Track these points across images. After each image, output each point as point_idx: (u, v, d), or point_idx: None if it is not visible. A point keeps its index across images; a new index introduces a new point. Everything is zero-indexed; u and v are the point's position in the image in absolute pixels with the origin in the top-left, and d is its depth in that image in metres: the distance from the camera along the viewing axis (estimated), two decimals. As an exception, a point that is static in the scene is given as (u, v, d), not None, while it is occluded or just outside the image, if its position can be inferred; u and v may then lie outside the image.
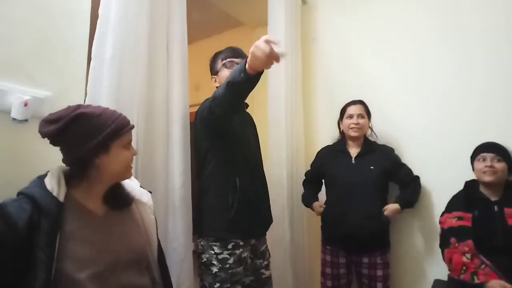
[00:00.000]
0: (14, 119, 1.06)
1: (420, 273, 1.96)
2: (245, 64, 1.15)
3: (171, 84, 1.54)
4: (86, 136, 0.89)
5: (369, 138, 2.04)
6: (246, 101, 1.65)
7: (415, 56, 2.12)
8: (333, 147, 2.08)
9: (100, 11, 1.30)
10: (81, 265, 0.85)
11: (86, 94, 1.25)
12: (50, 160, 1.01)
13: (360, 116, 1.94)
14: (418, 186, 1.93)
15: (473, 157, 1.67)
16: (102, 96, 1.25)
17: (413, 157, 2.03)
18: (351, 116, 1.95)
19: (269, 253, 1.69)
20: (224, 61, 1.56)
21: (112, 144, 0.93)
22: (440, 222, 1.69)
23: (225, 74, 1.54)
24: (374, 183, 1.85)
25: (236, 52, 1.59)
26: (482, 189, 1.63)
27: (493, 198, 1.58)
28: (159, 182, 1.45)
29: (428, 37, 2.08)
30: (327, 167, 2.02)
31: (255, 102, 1.82)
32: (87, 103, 1.21)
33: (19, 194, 0.87)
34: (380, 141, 2.08)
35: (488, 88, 1.87)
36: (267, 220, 1.68)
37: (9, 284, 0.79)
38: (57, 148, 0.96)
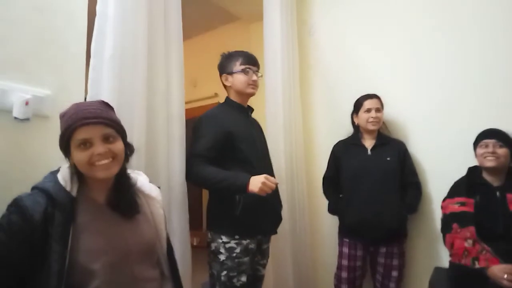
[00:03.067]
0: (16, 118, 1.07)
1: (430, 262, 1.96)
2: (246, 187, 1.41)
3: (170, 82, 1.55)
4: (61, 138, 0.92)
5: (381, 131, 2.06)
6: (248, 103, 1.75)
7: (412, 47, 2.12)
8: (347, 141, 2.10)
9: (97, 8, 1.30)
10: (94, 256, 0.87)
11: (86, 92, 1.25)
12: (52, 158, 1.02)
13: (377, 110, 1.97)
14: (419, 193, 1.96)
15: (476, 144, 1.68)
16: (102, 95, 1.25)
17: (415, 147, 2.04)
18: (369, 110, 1.97)
19: (268, 253, 1.74)
20: (243, 67, 1.65)
21: (70, 146, 0.91)
22: (442, 208, 1.70)
23: (242, 78, 1.65)
24: (392, 174, 1.89)
25: (253, 60, 1.70)
26: (485, 175, 1.64)
27: (495, 184, 1.60)
28: (162, 179, 1.46)
29: (425, 28, 2.09)
30: (343, 160, 2.04)
31: (253, 97, 1.82)
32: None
33: (33, 188, 0.89)
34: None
35: (486, 76, 1.88)
36: (276, 218, 1.72)
37: (25, 275, 0.82)
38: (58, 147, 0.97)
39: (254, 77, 1.67)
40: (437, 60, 2.04)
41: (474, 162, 1.71)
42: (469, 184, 1.64)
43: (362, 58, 2.31)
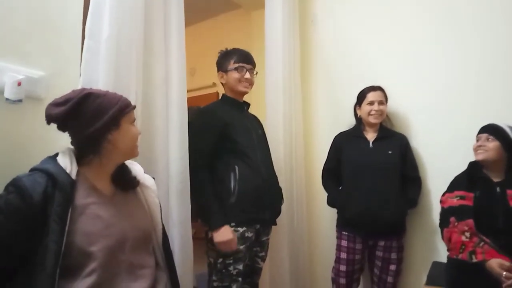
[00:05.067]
0: (7, 99, 1.03)
1: (429, 256, 1.96)
2: (214, 229, 1.48)
3: (169, 68, 1.51)
4: (97, 113, 0.92)
5: (383, 124, 2.03)
6: (245, 99, 1.79)
7: (415, 39, 2.09)
8: (349, 133, 2.08)
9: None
10: (92, 239, 0.88)
11: (81, 75, 1.21)
12: (45, 141, 1.00)
13: (381, 102, 1.94)
14: (419, 188, 1.95)
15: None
16: (98, 77, 1.22)
17: (416, 141, 2.03)
18: (371, 103, 1.94)
19: (268, 245, 1.75)
20: (236, 65, 1.67)
21: (122, 120, 0.97)
22: (440, 202, 1.69)
23: (234, 76, 1.68)
24: (393, 167, 1.88)
25: (247, 58, 1.72)
26: (485, 170, 1.63)
27: (495, 179, 1.59)
28: (160, 167, 1.43)
29: (428, 20, 2.06)
30: (344, 152, 2.01)
31: (253, 87, 1.78)
32: (82, 84, 1.18)
33: (32, 169, 0.89)
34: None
35: (488, 70, 1.86)
36: (275, 210, 1.73)
37: (24, 255, 0.82)
38: (53, 129, 0.95)
39: (247, 75, 1.69)
40: (440, 53, 2.01)
41: (473, 158, 1.69)
42: (470, 178, 1.63)
43: (364, 49, 2.28)
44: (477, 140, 1.64)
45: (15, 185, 0.83)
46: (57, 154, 0.94)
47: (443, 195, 1.69)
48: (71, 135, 0.96)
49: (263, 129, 1.86)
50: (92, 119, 0.92)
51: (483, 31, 1.89)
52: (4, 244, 0.80)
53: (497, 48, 1.85)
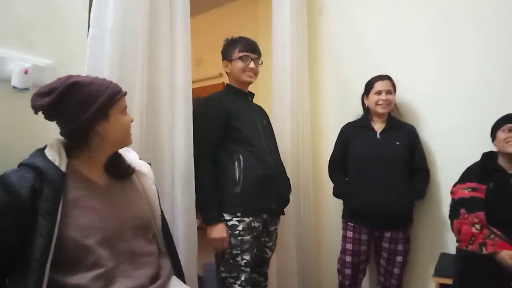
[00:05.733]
0: (14, 87, 1.04)
1: (436, 248, 1.93)
2: (208, 223, 1.50)
3: (175, 57, 1.50)
4: (83, 104, 0.88)
5: (391, 114, 2.00)
6: (252, 89, 1.77)
7: (425, 28, 2.04)
8: (356, 123, 2.05)
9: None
10: (88, 232, 0.86)
11: (86, 63, 1.21)
12: (52, 129, 0.99)
13: (388, 92, 1.91)
14: (427, 179, 1.92)
15: (497, 128, 1.61)
16: (104, 65, 1.22)
17: (425, 131, 1.99)
18: (379, 92, 1.91)
19: (276, 235, 1.73)
20: (241, 54, 1.65)
21: (110, 110, 0.93)
22: (451, 193, 1.66)
23: (239, 65, 1.66)
24: (401, 158, 1.85)
25: (253, 48, 1.69)
26: (500, 161, 1.59)
27: (510, 171, 1.55)
28: (165, 155, 1.43)
29: (439, 8, 2.00)
30: (351, 142, 1.99)
31: (260, 76, 1.77)
32: (87, 72, 1.18)
33: (20, 165, 0.87)
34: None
35: (501, 60, 1.82)
36: (282, 200, 1.71)
37: (14, 252, 0.80)
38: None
39: (252, 65, 1.67)
40: (450, 42, 1.96)
41: (484, 149, 1.67)
42: (483, 169, 1.59)
43: (373, 38, 2.23)
44: (506, 130, 1.57)
45: (2, 182, 0.81)
46: (46, 147, 0.91)
47: (454, 185, 1.66)
48: (58, 126, 0.93)
49: (269, 119, 1.85)
50: (78, 110, 0.88)
51: (495, 16, 1.83)
52: None
53: (510, 35, 1.79)
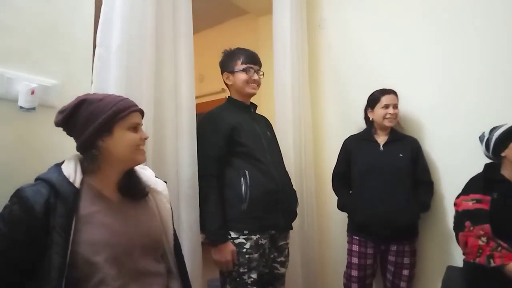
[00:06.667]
0: (21, 107, 1.05)
1: (442, 261, 1.91)
2: (212, 243, 1.47)
3: (179, 74, 1.52)
4: (88, 119, 0.91)
5: (394, 127, 2.00)
6: (252, 100, 1.76)
7: (425, 41, 2.07)
8: (359, 136, 2.05)
9: (104, -3, 1.27)
10: (97, 248, 0.86)
11: (92, 83, 1.23)
12: (58, 148, 1.01)
13: (395, 106, 1.93)
14: (430, 191, 1.92)
15: (509, 139, 1.55)
16: (109, 85, 1.23)
17: (428, 144, 2.00)
18: (386, 106, 1.91)
19: (288, 251, 1.69)
20: (244, 66, 1.63)
21: (114, 126, 0.93)
22: (455, 205, 1.65)
23: (242, 77, 1.64)
24: (404, 170, 1.85)
25: (254, 59, 1.68)
26: (504, 171, 1.59)
27: None
28: (170, 172, 1.44)
29: (439, 22, 2.02)
30: (354, 155, 1.99)
31: (262, 92, 1.79)
32: (93, 91, 1.19)
33: (37, 179, 0.88)
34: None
35: (501, 69, 1.83)
36: (289, 214, 1.68)
37: (27, 267, 0.81)
38: (65, 136, 0.97)
39: (255, 77, 1.66)
40: (451, 55, 1.98)
41: (487, 160, 1.66)
42: (487, 180, 1.58)
43: (373, 53, 2.26)
44: None
45: (18, 196, 0.83)
46: (63, 162, 0.93)
47: (458, 197, 1.65)
48: (75, 141, 0.96)
49: (273, 130, 1.83)
50: (83, 126, 0.90)
51: (496, 28, 1.85)
52: (7, 255, 0.80)
53: None
